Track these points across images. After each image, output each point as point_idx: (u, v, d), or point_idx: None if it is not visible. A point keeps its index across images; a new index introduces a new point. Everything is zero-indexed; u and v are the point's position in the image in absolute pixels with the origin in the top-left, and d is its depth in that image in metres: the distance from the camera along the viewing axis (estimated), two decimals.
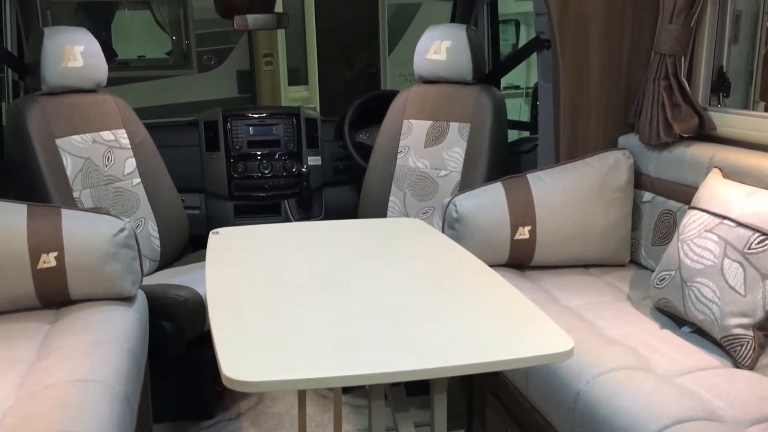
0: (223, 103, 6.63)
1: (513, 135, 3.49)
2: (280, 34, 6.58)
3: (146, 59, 7.00)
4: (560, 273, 2.52)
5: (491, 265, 2.45)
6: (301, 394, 2.34)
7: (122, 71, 6.71)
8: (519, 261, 2.52)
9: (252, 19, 3.56)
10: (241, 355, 1.31)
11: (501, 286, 1.68)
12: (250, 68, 6.69)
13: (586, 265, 2.60)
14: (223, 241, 2.10)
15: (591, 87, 2.69)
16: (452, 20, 3.72)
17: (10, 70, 3.18)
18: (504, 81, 4.73)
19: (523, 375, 1.97)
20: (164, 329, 2.51)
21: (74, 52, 2.83)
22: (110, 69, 7.08)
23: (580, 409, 1.71)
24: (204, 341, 2.85)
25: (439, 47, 3.18)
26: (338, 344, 1.35)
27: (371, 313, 1.50)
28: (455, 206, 2.46)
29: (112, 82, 6.73)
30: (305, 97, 6.82)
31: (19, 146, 2.68)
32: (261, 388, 1.24)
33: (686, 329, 2.02)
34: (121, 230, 2.17)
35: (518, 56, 3.35)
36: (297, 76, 6.86)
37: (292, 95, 6.73)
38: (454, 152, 3.16)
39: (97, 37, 2.88)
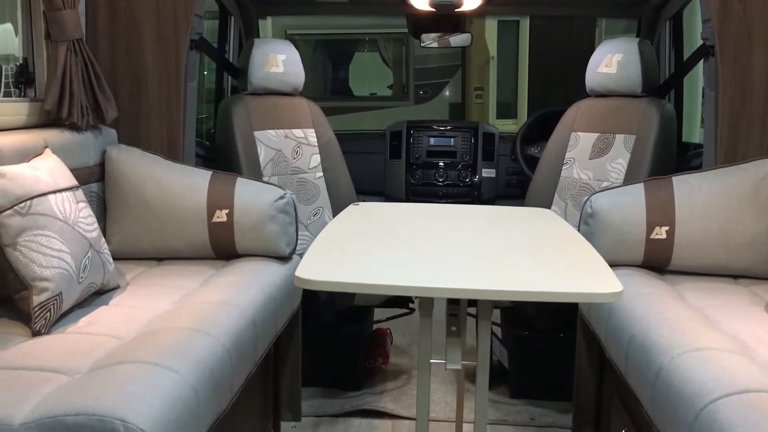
0: (434, 122, 7.07)
1: None
2: (492, 69, 6.87)
3: (373, 96, 7.70)
4: (702, 279, 2.43)
5: (625, 265, 2.48)
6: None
7: (353, 101, 7.46)
8: (656, 263, 2.47)
9: (454, 37, 3.90)
10: (315, 266, 1.54)
11: (584, 248, 1.74)
12: (461, 101, 7.04)
13: (734, 276, 2.48)
14: (359, 209, 2.37)
15: (755, 94, 2.59)
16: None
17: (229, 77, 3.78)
18: None
19: (623, 360, 1.97)
20: (318, 297, 2.83)
21: (277, 60, 3.31)
22: (343, 100, 7.83)
23: (659, 384, 1.70)
24: (354, 316, 3.14)
25: (611, 61, 3.22)
26: (397, 268, 1.53)
27: (443, 254, 1.66)
28: (591, 202, 2.50)
29: (345, 110, 7.44)
30: (513, 130, 6.99)
31: (224, 135, 3.20)
32: (317, 287, 1.45)
33: None
34: (281, 197, 2.53)
35: (687, 65, 3.27)
36: (507, 110, 7.08)
37: (500, 128, 6.94)
38: (617, 163, 3.16)
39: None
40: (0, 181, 1.80)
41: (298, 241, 2.65)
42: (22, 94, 2.46)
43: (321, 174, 3.41)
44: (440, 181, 3.85)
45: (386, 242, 1.80)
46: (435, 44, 3.85)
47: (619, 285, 1.42)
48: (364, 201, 3.89)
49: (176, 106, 2.74)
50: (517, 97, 7.01)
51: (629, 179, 3.08)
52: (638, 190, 2.50)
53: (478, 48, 6.78)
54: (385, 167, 3.93)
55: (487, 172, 3.86)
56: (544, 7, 3.86)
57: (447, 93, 7.21)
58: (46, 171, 1.99)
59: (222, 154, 3.21)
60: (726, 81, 2.60)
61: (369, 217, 2.20)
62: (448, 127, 3.96)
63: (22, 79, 2.44)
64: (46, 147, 2.16)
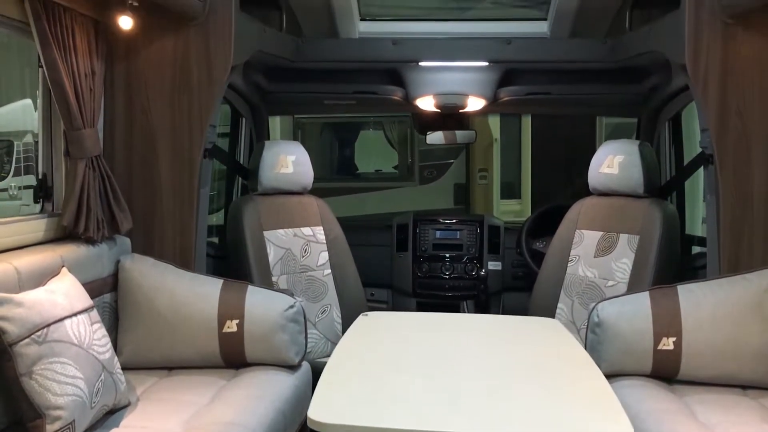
0: (439, 214, 7.15)
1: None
2: (496, 151, 6.99)
3: (378, 173, 7.81)
4: (711, 390, 2.43)
5: (633, 375, 2.49)
6: None
7: (358, 182, 7.56)
8: (664, 373, 2.48)
9: (459, 135, 4.01)
10: (327, 404, 1.57)
11: (592, 378, 1.76)
12: (465, 181, 7.14)
13: (743, 386, 2.48)
14: (368, 321, 2.39)
15: (755, 203, 2.64)
16: (637, 137, 3.80)
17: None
18: None
19: None
20: None
21: (287, 161, 3.40)
22: (349, 180, 7.91)
23: None
24: None
25: (612, 161, 3.29)
26: (408, 404, 1.55)
27: (453, 386, 1.68)
28: (597, 311, 2.53)
29: (352, 191, 7.51)
30: (517, 210, 7.09)
31: (235, 235, 3.26)
32: (331, 430, 1.47)
33: None
34: (291, 306, 2.56)
35: (688, 171, 3.34)
36: (511, 191, 7.17)
37: (504, 208, 7.04)
38: (622, 263, 3.19)
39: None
40: (18, 310, 1.84)
41: (308, 340, 2.67)
42: (41, 208, 2.53)
43: (329, 271, 3.45)
44: (447, 274, 3.88)
45: (396, 368, 1.83)
46: (441, 141, 3.95)
47: (630, 426, 1.44)
48: (372, 294, 3.93)
49: (189, 212, 2.81)
50: (521, 177, 7.12)
51: (634, 279, 3.11)
52: (644, 299, 2.53)
53: (482, 130, 6.91)
54: (392, 260, 3.97)
55: (493, 265, 3.90)
56: (545, 107, 3.97)
57: (452, 174, 7.32)
58: (63, 294, 2.03)
59: (232, 254, 3.26)
60: (726, 189, 2.65)
61: (378, 333, 2.22)
62: (454, 221, 4.02)
63: (41, 194, 2.51)
64: (63, 266, 2.21)
